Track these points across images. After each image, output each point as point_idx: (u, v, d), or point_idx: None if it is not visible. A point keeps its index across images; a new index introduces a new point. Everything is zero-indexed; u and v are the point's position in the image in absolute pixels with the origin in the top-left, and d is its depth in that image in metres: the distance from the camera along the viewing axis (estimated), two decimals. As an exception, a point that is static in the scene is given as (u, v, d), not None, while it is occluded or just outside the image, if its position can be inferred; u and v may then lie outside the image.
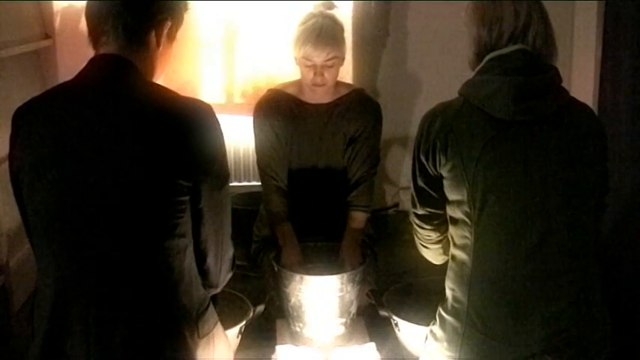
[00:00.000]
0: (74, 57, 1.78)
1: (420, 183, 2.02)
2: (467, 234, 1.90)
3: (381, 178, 4.21)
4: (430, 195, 2.02)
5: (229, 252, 1.87)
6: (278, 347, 2.65)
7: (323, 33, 2.80)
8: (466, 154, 1.87)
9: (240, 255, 2.31)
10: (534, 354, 1.85)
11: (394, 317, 2.49)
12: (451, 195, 1.93)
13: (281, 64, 3.86)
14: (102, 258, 1.66)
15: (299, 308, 2.68)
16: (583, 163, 1.90)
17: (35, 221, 1.71)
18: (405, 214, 2.19)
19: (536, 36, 1.91)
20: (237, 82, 4.12)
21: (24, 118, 1.73)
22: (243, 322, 2.45)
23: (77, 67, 1.76)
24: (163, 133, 1.65)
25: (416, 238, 2.18)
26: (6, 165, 1.79)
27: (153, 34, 1.77)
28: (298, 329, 2.72)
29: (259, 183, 3.14)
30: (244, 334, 2.48)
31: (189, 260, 1.74)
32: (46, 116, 1.71)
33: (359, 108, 3.00)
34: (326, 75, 2.86)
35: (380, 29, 4.11)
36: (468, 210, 1.88)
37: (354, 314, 2.75)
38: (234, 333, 2.38)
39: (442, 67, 3.96)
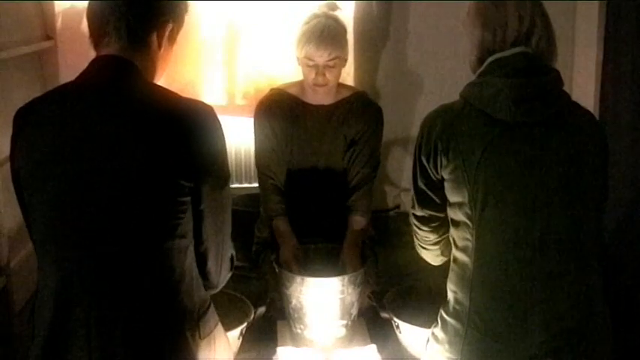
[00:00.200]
0: (75, 58, 1.78)
1: (421, 185, 2.03)
2: (468, 236, 1.90)
3: (382, 180, 4.21)
4: (430, 197, 2.02)
5: (229, 252, 1.87)
6: (279, 349, 2.65)
7: (325, 33, 2.81)
8: (467, 155, 1.87)
9: (241, 256, 2.31)
10: (536, 356, 1.85)
11: (395, 319, 2.49)
12: (452, 197, 1.93)
13: (283, 66, 3.85)
14: (103, 259, 1.66)
15: (300, 310, 2.68)
16: (584, 165, 1.90)
17: (36, 222, 1.72)
18: (406, 215, 2.19)
19: (540, 40, 1.91)
20: (239, 83, 4.12)
21: (25, 119, 1.73)
22: (245, 324, 2.46)
23: (79, 69, 1.76)
24: (165, 134, 1.65)
25: (415, 239, 2.19)
26: (7, 166, 1.79)
27: (154, 35, 1.77)
28: (299, 331, 2.72)
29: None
30: (245, 336, 2.48)
31: (190, 261, 1.74)
32: (47, 117, 1.71)
33: (360, 111, 3.01)
34: (327, 75, 2.87)
35: (381, 31, 4.11)
36: (468, 212, 1.88)
37: (355, 316, 2.74)
38: (235, 334, 2.38)
39: (444, 69, 3.95)
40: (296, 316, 2.70)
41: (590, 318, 1.90)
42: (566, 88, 1.95)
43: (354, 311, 2.73)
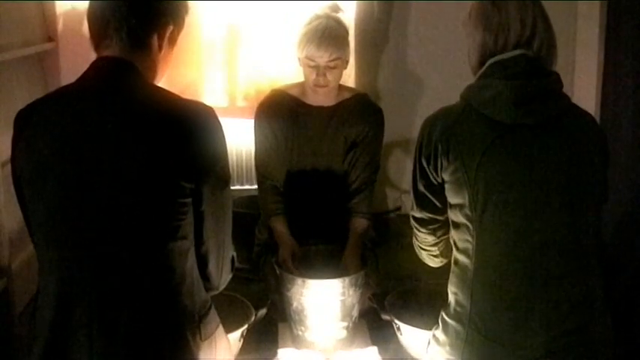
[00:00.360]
0: (77, 60, 1.78)
1: (420, 187, 2.03)
2: (468, 237, 1.90)
3: (383, 182, 4.20)
4: (429, 200, 2.03)
5: (230, 254, 1.87)
6: (280, 351, 2.65)
7: (327, 34, 2.81)
8: (467, 157, 1.87)
9: (242, 258, 2.31)
10: (537, 357, 1.85)
11: (396, 321, 2.49)
12: (453, 198, 1.93)
13: (284, 68, 3.85)
14: (104, 260, 1.66)
15: (301, 312, 2.67)
16: (584, 167, 1.90)
17: (37, 224, 1.72)
18: (407, 217, 2.19)
19: (541, 44, 1.92)
20: (240, 85, 4.11)
21: (26, 121, 1.73)
22: (245, 326, 2.45)
23: (80, 70, 1.76)
24: (165, 135, 1.65)
25: (414, 240, 2.19)
26: (8, 167, 1.79)
27: (155, 37, 1.77)
28: (300, 333, 2.72)
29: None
30: (246, 338, 2.48)
31: (191, 262, 1.74)
32: (48, 119, 1.71)
33: (361, 113, 3.01)
34: (328, 76, 2.87)
35: (382, 32, 4.11)
36: (469, 213, 1.89)
37: (356, 318, 2.74)
38: (236, 336, 2.38)
39: (445, 71, 3.95)
40: (297, 317, 2.70)
41: (591, 319, 1.90)
42: (567, 88, 1.95)
43: (355, 313, 2.73)
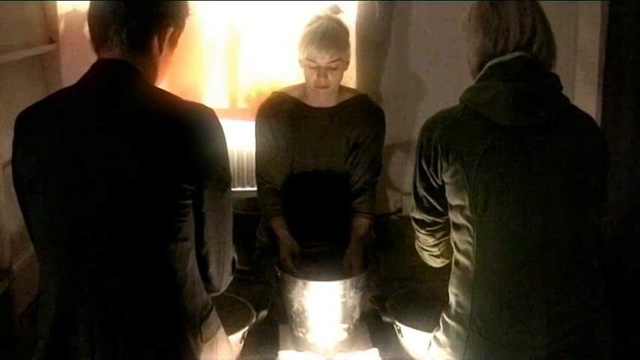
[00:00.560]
0: (78, 61, 1.78)
1: (420, 190, 2.04)
2: (469, 239, 1.91)
3: (384, 184, 4.20)
4: (429, 202, 2.04)
5: (231, 255, 1.87)
6: (281, 353, 2.65)
7: (328, 35, 2.82)
8: (467, 159, 1.87)
9: (243, 260, 2.31)
10: (538, 358, 1.86)
11: (397, 323, 2.49)
12: (453, 200, 1.94)
13: (285, 69, 3.85)
14: (105, 262, 1.66)
15: (302, 314, 2.67)
16: (583, 168, 1.90)
17: (38, 226, 1.72)
18: (408, 219, 2.20)
19: (541, 46, 1.92)
20: (241, 86, 4.11)
21: (26, 124, 1.73)
22: (246, 328, 2.45)
23: (81, 72, 1.76)
24: (166, 137, 1.66)
25: (416, 240, 2.20)
26: (9, 169, 1.79)
27: (156, 39, 1.77)
28: (301, 335, 2.72)
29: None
30: (247, 340, 2.48)
31: (191, 264, 1.74)
32: (48, 122, 1.71)
33: (362, 113, 3.01)
34: (329, 77, 2.87)
35: (384, 34, 4.11)
36: (469, 215, 1.89)
37: (357, 320, 2.74)
38: (237, 338, 2.38)
39: (446, 73, 3.95)
40: (298, 319, 2.70)
41: (592, 320, 1.90)
42: (567, 89, 1.95)
43: (356, 315, 2.73)
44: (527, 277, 1.86)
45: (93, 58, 1.78)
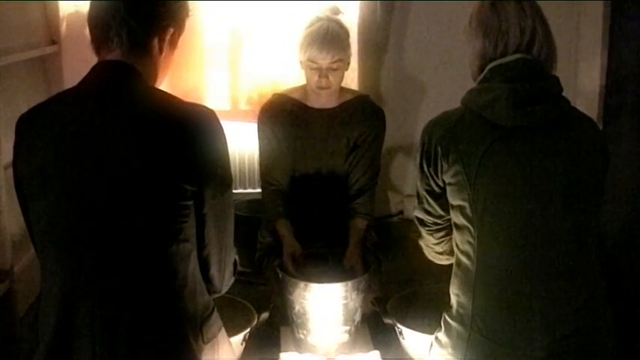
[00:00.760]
0: (80, 63, 1.78)
1: (422, 190, 2.07)
2: (470, 239, 1.91)
3: (386, 186, 4.21)
4: (429, 203, 2.06)
5: (232, 257, 1.87)
6: (282, 354, 2.65)
7: (329, 36, 2.82)
8: (467, 159, 1.88)
9: (245, 262, 2.31)
10: (539, 358, 1.85)
11: (398, 325, 2.49)
12: (454, 200, 1.95)
13: (287, 71, 3.86)
14: (106, 263, 1.66)
15: (303, 315, 2.67)
16: (583, 169, 1.91)
17: (39, 228, 1.72)
18: (410, 221, 2.20)
19: (541, 49, 1.93)
20: (243, 88, 4.12)
21: (27, 126, 1.73)
22: (248, 329, 2.45)
23: (83, 73, 1.76)
24: (167, 138, 1.66)
25: (420, 238, 2.22)
26: (11, 171, 1.79)
27: (156, 40, 1.77)
28: (302, 336, 2.72)
29: (263, 190, 3.14)
30: (248, 341, 2.48)
31: (193, 265, 1.74)
32: (48, 124, 1.71)
33: (363, 114, 3.01)
34: (330, 78, 2.88)
35: (385, 36, 4.12)
36: (470, 215, 1.89)
37: (358, 322, 2.74)
38: (238, 340, 2.38)
39: (448, 75, 3.96)
40: (299, 321, 2.70)
41: (593, 321, 1.90)
42: (569, 88, 1.96)
43: (358, 317, 2.73)
44: (528, 277, 1.86)
45: (95, 59, 1.78)
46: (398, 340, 2.54)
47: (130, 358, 1.66)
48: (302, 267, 2.82)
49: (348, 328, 2.70)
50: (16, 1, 3.29)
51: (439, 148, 1.93)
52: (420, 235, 2.20)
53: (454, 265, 2.01)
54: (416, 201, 2.12)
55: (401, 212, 4.26)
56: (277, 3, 3.92)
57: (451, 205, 1.97)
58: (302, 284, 2.64)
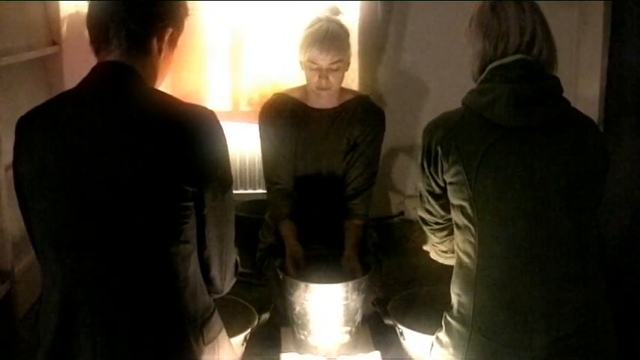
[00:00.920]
0: (81, 63, 1.78)
1: (423, 190, 2.08)
2: (471, 239, 1.91)
3: (387, 186, 4.20)
4: (429, 203, 2.07)
5: (233, 258, 1.87)
6: (282, 355, 2.65)
7: (329, 36, 2.83)
8: (467, 159, 1.88)
9: (246, 263, 2.30)
10: (539, 359, 1.85)
11: (399, 326, 2.49)
12: (454, 200, 1.95)
13: (287, 72, 3.86)
14: (106, 264, 1.66)
15: (304, 316, 2.67)
16: (583, 169, 1.91)
17: (40, 230, 1.72)
18: (410, 222, 2.20)
19: (541, 50, 1.94)
20: (244, 89, 4.12)
21: (27, 128, 1.73)
22: (248, 330, 2.45)
23: (84, 74, 1.76)
24: (167, 139, 1.65)
25: (424, 242, 2.23)
26: (11, 172, 1.79)
27: (154, 40, 1.76)
28: (303, 337, 2.72)
29: (265, 191, 3.14)
30: (249, 342, 2.48)
31: (194, 266, 1.74)
32: (48, 125, 1.71)
33: (363, 114, 3.01)
34: (331, 79, 2.88)
35: (386, 37, 4.12)
36: (470, 215, 1.90)
37: (359, 322, 2.74)
38: (238, 341, 2.38)
39: (449, 76, 3.94)
40: (300, 322, 2.70)
41: (594, 322, 1.90)
42: (570, 88, 1.96)
43: (358, 318, 2.73)
44: (529, 277, 1.86)
45: (95, 60, 1.78)
46: (399, 340, 2.54)
47: (130, 359, 1.66)
48: (303, 270, 2.82)
49: (348, 328, 2.70)
50: (17, 1, 3.29)
51: (439, 149, 1.93)
52: (424, 240, 2.20)
53: (455, 265, 2.02)
54: (419, 201, 2.13)
55: (402, 213, 4.25)
56: (278, 3, 3.92)
57: (452, 204, 1.97)
58: (303, 285, 2.64)
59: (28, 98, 3.35)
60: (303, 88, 3.03)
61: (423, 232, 2.24)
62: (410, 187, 4.20)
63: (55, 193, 1.66)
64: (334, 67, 2.86)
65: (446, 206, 2.01)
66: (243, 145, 4.12)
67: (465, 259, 1.94)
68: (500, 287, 1.88)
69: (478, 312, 1.90)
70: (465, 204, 1.90)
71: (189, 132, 1.67)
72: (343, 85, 3.03)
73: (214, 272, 1.81)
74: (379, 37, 4.10)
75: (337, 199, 3.04)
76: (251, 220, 3.36)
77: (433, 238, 2.17)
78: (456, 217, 1.97)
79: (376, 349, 2.68)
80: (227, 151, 1.76)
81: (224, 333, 1.88)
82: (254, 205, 3.94)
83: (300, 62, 2.93)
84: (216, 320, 1.84)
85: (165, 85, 1.88)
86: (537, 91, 1.88)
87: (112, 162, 1.64)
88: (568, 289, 1.87)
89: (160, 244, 1.66)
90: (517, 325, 1.86)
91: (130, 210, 1.64)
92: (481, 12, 1.98)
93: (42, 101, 1.79)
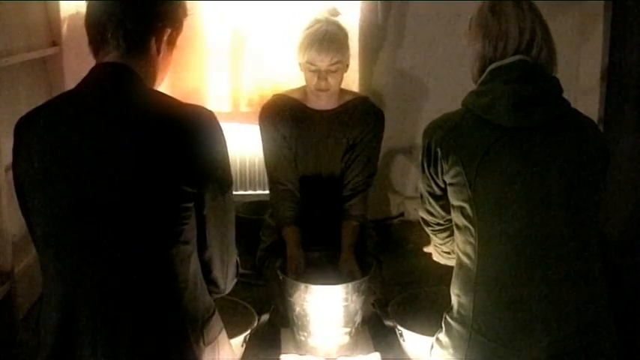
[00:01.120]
0: (81, 64, 1.78)
1: (424, 191, 2.09)
2: (471, 240, 1.92)
3: (386, 187, 4.20)
4: (430, 204, 2.08)
5: (234, 258, 1.87)
6: (282, 356, 2.65)
7: (327, 38, 2.82)
8: (467, 160, 1.89)
9: (246, 264, 2.31)
10: (539, 359, 1.85)
11: (399, 327, 2.49)
12: (454, 201, 1.95)
13: (288, 73, 3.85)
14: (107, 265, 1.66)
15: (304, 317, 2.67)
16: (584, 169, 1.92)
17: (40, 231, 1.71)
18: (410, 223, 2.20)
19: (540, 51, 1.94)
20: (244, 90, 4.12)
21: (26, 129, 1.73)
22: (248, 331, 2.46)
23: (84, 75, 1.76)
24: (166, 140, 1.65)
25: (425, 244, 2.21)
26: (11, 172, 1.79)
27: (153, 41, 1.76)
28: (303, 338, 2.72)
29: (265, 192, 3.14)
30: (249, 343, 2.48)
31: (194, 267, 1.74)
32: (47, 126, 1.71)
33: (362, 114, 3.01)
34: (330, 80, 2.88)
35: (386, 38, 4.11)
36: (470, 215, 1.90)
37: (358, 324, 2.74)
38: (238, 341, 2.38)
39: (449, 77, 3.95)
40: (300, 323, 2.70)
41: (594, 322, 1.90)
42: (570, 88, 1.96)
43: (358, 319, 2.73)
44: (529, 277, 1.86)
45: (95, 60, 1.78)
46: (398, 342, 2.55)
47: (131, 359, 1.66)
48: (303, 273, 2.82)
49: (348, 329, 2.70)
50: (17, 1, 3.28)
51: (439, 150, 1.94)
52: (425, 241, 2.20)
53: (455, 266, 2.02)
54: (420, 201, 2.14)
55: (401, 214, 4.24)
56: (278, 3, 3.91)
57: (452, 205, 1.98)
58: (302, 286, 2.64)
59: (28, 99, 3.35)
60: (303, 89, 3.03)
61: (424, 234, 2.24)
62: (410, 188, 4.19)
63: (54, 194, 1.66)
64: (333, 68, 2.86)
65: (446, 207, 2.02)
66: (243, 146, 4.11)
67: (465, 259, 1.94)
68: (501, 288, 1.88)
69: (478, 313, 1.90)
70: (465, 205, 1.90)
71: (189, 133, 1.67)
72: (343, 85, 3.03)
73: (216, 273, 1.81)
74: (379, 37, 4.10)
75: (337, 200, 3.04)
76: (251, 221, 3.36)
77: (435, 240, 2.17)
78: (456, 217, 1.97)
79: (376, 351, 2.68)
80: (227, 151, 1.76)
81: (224, 334, 1.88)
82: (254, 206, 3.94)
83: (299, 64, 2.93)
84: (217, 321, 1.84)
85: (165, 85, 1.88)
86: (537, 91, 1.89)
87: (112, 163, 1.64)
88: (568, 290, 1.87)
89: (159, 244, 1.66)
90: (517, 326, 1.86)
91: (129, 211, 1.64)
92: (480, 12, 1.99)
93: (42, 102, 1.80)
